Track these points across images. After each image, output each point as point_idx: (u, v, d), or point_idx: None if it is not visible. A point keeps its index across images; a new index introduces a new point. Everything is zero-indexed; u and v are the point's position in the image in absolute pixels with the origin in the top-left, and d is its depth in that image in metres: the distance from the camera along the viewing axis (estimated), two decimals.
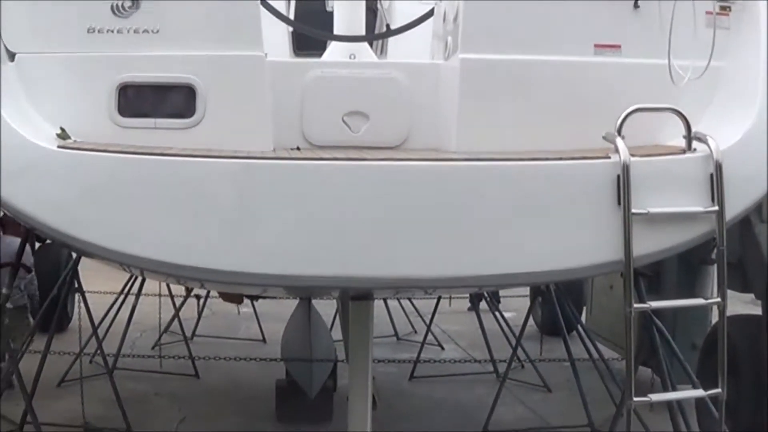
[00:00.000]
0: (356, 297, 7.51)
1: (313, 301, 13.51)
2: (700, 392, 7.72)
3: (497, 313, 15.83)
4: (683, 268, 12.37)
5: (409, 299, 17.93)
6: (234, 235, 6.07)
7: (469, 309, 17.55)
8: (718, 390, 7.04)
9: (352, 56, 8.21)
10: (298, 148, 7.15)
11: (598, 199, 6.34)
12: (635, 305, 6.60)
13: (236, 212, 6.06)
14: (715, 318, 11.57)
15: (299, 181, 6.11)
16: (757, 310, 11.02)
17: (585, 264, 6.46)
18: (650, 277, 12.06)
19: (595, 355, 12.66)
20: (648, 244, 6.48)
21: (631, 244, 6.25)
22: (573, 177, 6.36)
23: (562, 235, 6.33)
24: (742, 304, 11.65)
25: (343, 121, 7.30)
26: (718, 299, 6.91)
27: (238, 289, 9.07)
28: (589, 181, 6.36)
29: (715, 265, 11.68)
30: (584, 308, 16.28)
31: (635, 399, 6.73)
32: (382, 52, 8.88)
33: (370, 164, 6.20)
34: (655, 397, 7.25)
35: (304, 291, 9.81)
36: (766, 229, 10.30)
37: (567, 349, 12.28)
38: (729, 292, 11.26)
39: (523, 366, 14.89)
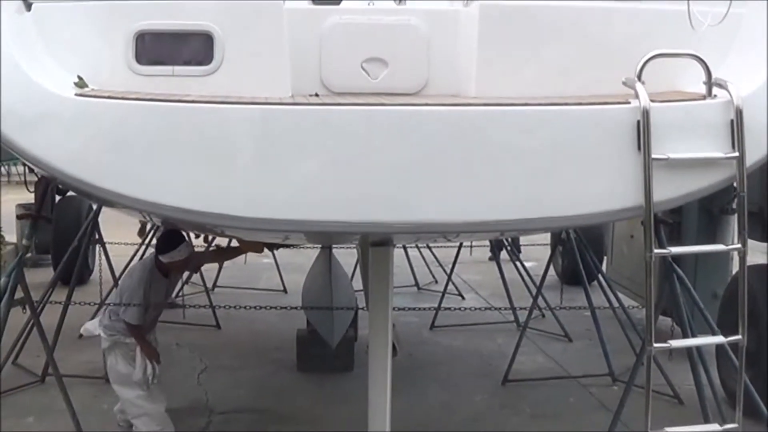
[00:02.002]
0: (376, 243, 7.50)
1: (335, 251, 13.56)
2: (720, 338, 7.75)
3: (518, 263, 15.86)
4: (704, 217, 12.39)
5: (430, 249, 17.99)
6: (253, 182, 6.05)
7: (490, 258, 17.64)
8: (739, 337, 7.01)
9: (371, 3, 8.17)
10: (316, 95, 7.14)
11: (618, 144, 6.29)
12: (655, 251, 6.57)
13: (255, 158, 6.05)
14: (735, 268, 11.64)
15: (318, 126, 6.07)
16: None
17: (605, 209, 6.43)
18: (671, 225, 12.13)
19: (616, 304, 12.69)
20: (668, 190, 6.44)
21: (651, 189, 6.21)
22: (593, 122, 6.31)
23: (582, 180, 6.30)
24: (761, 254, 11.63)
25: (362, 67, 7.28)
26: (739, 245, 6.85)
27: (258, 236, 9.06)
28: (609, 127, 6.31)
29: (736, 214, 11.76)
30: (605, 257, 16.30)
31: (655, 345, 6.71)
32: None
33: (389, 109, 6.15)
34: (676, 343, 7.25)
35: (325, 237, 9.83)
36: None
37: (588, 298, 12.31)
38: (749, 242, 11.34)
39: (543, 315, 14.96)
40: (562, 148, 6.26)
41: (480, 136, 6.12)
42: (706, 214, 12.30)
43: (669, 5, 6.96)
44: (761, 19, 7.07)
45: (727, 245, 12.15)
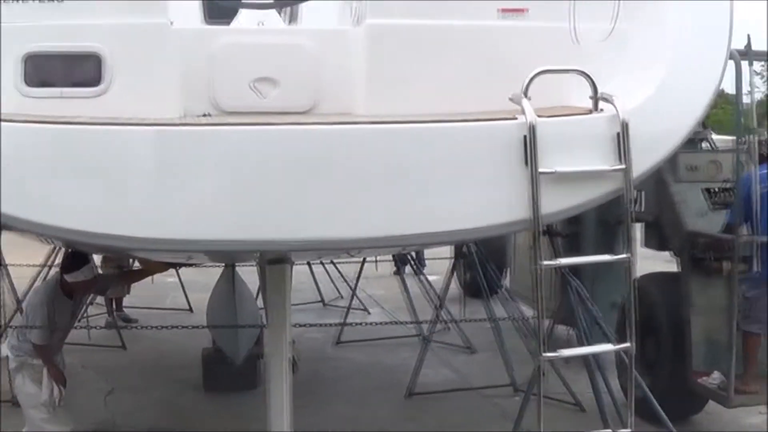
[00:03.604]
0: (272, 261, 7.55)
1: (241, 269, 13.58)
2: (609, 346, 7.89)
3: (421, 277, 15.99)
4: (601, 228, 12.59)
5: (335, 264, 18.07)
6: (149, 202, 6.06)
7: (394, 273, 17.73)
8: (628, 344, 7.15)
9: (261, 23, 8.22)
10: (206, 115, 7.17)
11: (507, 159, 6.40)
12: (544, 262, 6.69)
13: (148, 179, 6.05)
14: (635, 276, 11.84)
15: (208, 146, 6.10)
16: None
17: (496, 222, 6.53)
18: (568, 236, 12.35)
19: (516, 315, 12.86)
20: (557, 202, 6.57)
21: (538, 202, 6.34)
22: (481, 138, 6.42)
23: (472, 195, 6.39)
24: (663, 262, 11.85)
25: (252, 87, 7.32)
26: (627, 255, 6.99)
27: (157, 256, 9.07)
28: (497, 142, 6.42)
29: (634, 225, 11.97)
30: (508, 269, 16.48)
31: (546, 354, 6.83)
32: (292, 19, 8.88)
33: (278, 128, 6.21)
34: (566, 351, 7.35)
35: (224, 256, 9.84)
36: (681, 189, 10.50)
37: (489, 310, 12.47)
38: (648, 251, 11.56)
39: (448, 328, 15.07)
40: (452, 163, 6.35)
41: (369, 154, 6.19)
42: (602, 224, 12.49)
43: (559, 23, 7.10)
44: (647, 35, 7.24)
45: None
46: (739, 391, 9.75)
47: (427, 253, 17.77)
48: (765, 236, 9.47)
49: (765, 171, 9.41)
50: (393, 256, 16.50)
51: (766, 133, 9.96)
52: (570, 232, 12.57)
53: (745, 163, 9.83)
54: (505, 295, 13.33)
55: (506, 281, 15.77)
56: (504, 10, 7.22)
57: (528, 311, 13.53)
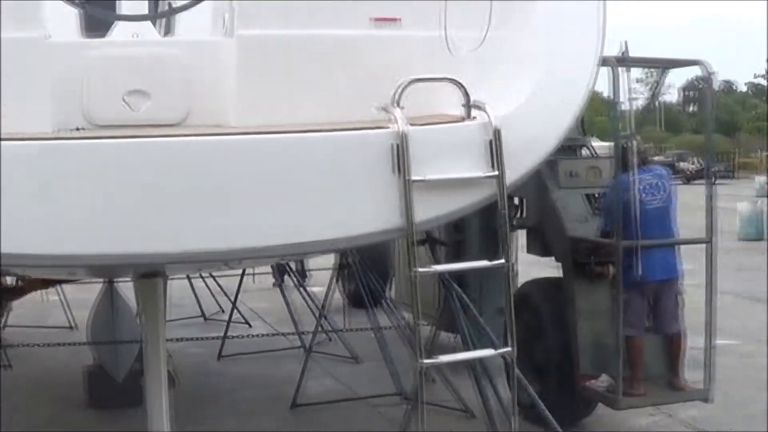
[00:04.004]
0: (145, 275, 7.47)
1: (124, 284, 13.41)
2: (490, 351, 7.89)
3: (302, 288, 15.96)
4: (485, 235, 12.61)
5: (214, 278, 17.99)
6: (20, 217, 5.96)
7: (274, 285, 17.64)
8: (509, 348, 7.19)
9: (135, 35, 8.12)
10: (78, 129, 7.05)
11: (380, 167, 6.41)
12: (419, 269, 6.69)
13: (14, 194, 5.94)
14: (521, 283, 11.92)
15: (77, 160, 6.02)
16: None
17: (370, 231, 6.55)
18: (453, 244, 12.39)
19: (400, 324, 12.86)
20: (431, 210, 6.60)
21: (411, 210, 6.35)
22: (352, 147, 6.42)
23: (347, 203, 6.39)
24: (551, 268, 11.93)
25: (124, 100, 7.22)
26: (503, 261, 7.03)
27: (33, 272, 8.94)
28: (368, 151, 6.43)
29: (518, 231, 12.06)
30: (392, 278, 16.50)
31: (425, 361, 6.82)
32: (168, 31, 8.78)
33: (147, 141, 6.16)
34: (445, 357, 7.37)
35: (96, 271, 9.70)
36: (562, 195, 10.59)
37: (372, 318, 12.47)
38: (532, 257, 11.64)
39: (330, 339, 15.05)
40: (324, 173, 6.35)
41: (240, 165, 6.16)
42: (486, 230, 12.54)
43: (432, 31, 7.11)
44: (519, 42, 7.29)
45: (509, 261, 12.47)
46: (627, 394, 9.84)
47: (311, 263, 17.77)
48: (632, 242, 9.53)
49: (632, 178, 9.50)
50: (272, 267, 16.47)
51: (638, 139, 10.01)
52: (455, 239, 12.60)
53: (618, 169, 9.91)
54: (388, 304, 13.32)
55: (390, 290, 15.77)
56: (377, 19, 7.22)
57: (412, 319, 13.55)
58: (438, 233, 11.56)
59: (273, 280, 18.01)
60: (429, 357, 7.03)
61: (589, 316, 10.29)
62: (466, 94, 6.79)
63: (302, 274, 17.38)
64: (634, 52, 9.83)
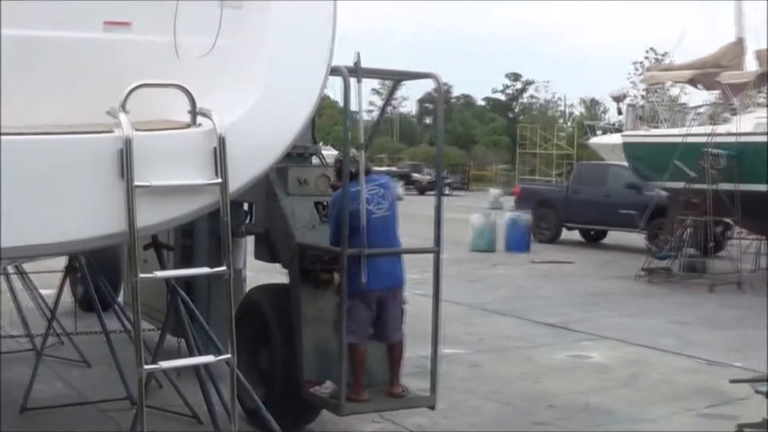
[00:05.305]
0: None
1: None
2: (210, 358, 8.00)
3: (33, 291, 15.67)
4: (215, 240, 12.66)
5: None
6: None
7: None
8: (228, 356, 7.29)
9: None
10: None
11: (105, 172, 6.45)
12: (141, 275, 6.74)
13: None
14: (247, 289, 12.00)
15: None
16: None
17: (93, 235, 6.58)
18: (183, 249, 12.40)
19: (129, 328, 12.78)
20: (154, 216, 6.68)
21: (134, 215, 6.41)
22: (77, 151, 6.44)
23: (69, 208, 6.40)
24: (281, 275, 12.03)
25: None
26: (224, 268, 7.12)
27: None
28: (93, 155, 6.46)
29: (246, 237, 12.16)
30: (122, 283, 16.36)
31: (146, 366, 6.87)
32: None
33: None
34: (166, 363, 7.44)
35: None
36: (291, 202, 10.71)
37: (102, 323, 12.38)
38: (262, 263, 11.72)
39: (62, 342, 14.82)
40: (48, 176, 6.34)
41: None
42: (216, 236, 12.58)
43: (163, 36, 7.17)
44: (248, 51, 7.41)
45: (238, 267, 12.58)
46: (351, 400, 9.97)
47: (41, 266, 17.41)
48: (358, 249, 9.70)
49: (357, 188, 9.67)
50: None
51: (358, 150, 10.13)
52: (183, 244, 12.62)
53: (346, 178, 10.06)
54: (119, 308, 13.25)
55: (120, 294, 15.65)
56: (108, 23, 7.22)
57: (144, 324, 13.46)
58: (169, 237, 11.57)
59: None
60: (153, 362, 7.08)
61: (314, 322, 10.42)
62: (192, 101, 6.88)
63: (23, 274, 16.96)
64: (381, 61, 9.99)
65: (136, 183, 6.40)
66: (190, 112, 6.88)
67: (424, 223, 11.72)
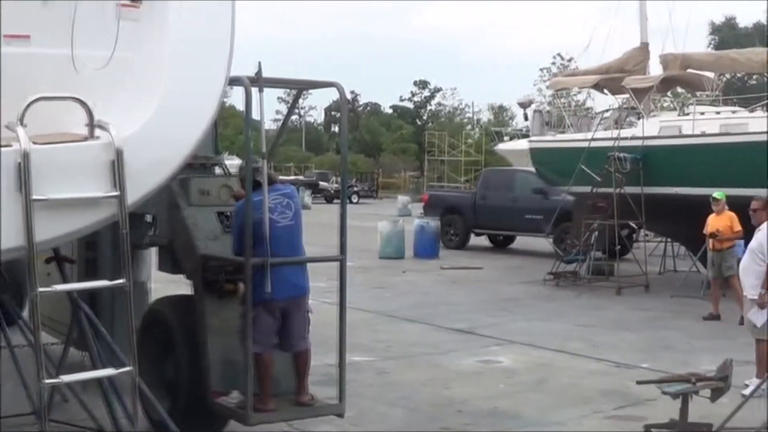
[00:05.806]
0: None
1: None
2: (111, 371, 7.97)
3: None
4: (118, 253, 12.60)
5: None
6: None
7: None
8: (130, 368, 7.29)
9: None
10: None
11: (2, 186, 6.42)
12: (41, 288, 6.72)
13: None
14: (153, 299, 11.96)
15: None
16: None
17: None
18: (83, 261, 12.33)
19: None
20: (53, 229, 6.67)
21: (32, 229, 6.39)
22: None
23: None
24: (187, 286, 11.99)
25: None
26: (123, 280, 7.14)
27: None
28: None
29: (150, 249, 12.13)
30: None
31: (47, 381, 6.86)
32: None
33: None
34: (67, 377, 7.42)
35: None
36: (193, 213, 10.69)
37: (6, 337, 12.26)
38: (163, 274, 11.69)
39: None
40: None
41: None
42: (118, 248, 12.52)
43: (62, 49, 7.16)
44: (146, 64, 7.43)
45: (142, 279, 12.55)
46: (258, 410, 9.95)
47: None
48: (262, 259, 9.72)
49: (260, 197, 9.68)
50: None
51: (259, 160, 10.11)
52: (87, 257, 12.54)
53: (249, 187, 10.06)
54: (23, 322, 13.13)
55: (25, 308, 15.49)
56: (7, 36, 7.20)
57: (47, 337, 13.36)
58: (73, 250, 11.51)
59: None
60: (55, 376, 7.06)
61: (219, 333, 10.39)
62: (90, 114, 6.88)
63: None
64: (287, 70, 10.00)
65: (33, 197, 6.38)
66: (87, 124, 6.87)
67: (331, 231, 11.71)
